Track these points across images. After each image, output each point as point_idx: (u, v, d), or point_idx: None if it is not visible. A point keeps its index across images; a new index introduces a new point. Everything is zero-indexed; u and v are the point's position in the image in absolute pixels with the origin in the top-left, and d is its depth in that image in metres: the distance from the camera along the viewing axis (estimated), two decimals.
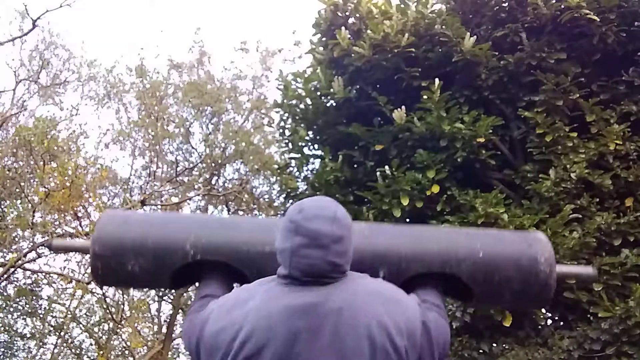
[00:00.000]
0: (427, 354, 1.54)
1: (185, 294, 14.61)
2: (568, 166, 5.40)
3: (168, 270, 1.82)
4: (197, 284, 1.87)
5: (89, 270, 12.24)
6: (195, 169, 13.99)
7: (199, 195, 13.88)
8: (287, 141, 7.37)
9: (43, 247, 10.95)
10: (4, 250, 11.00)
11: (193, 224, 1.95)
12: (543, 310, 5.43)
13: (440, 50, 5.92)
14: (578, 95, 5.66)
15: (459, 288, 1.86)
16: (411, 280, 1.79)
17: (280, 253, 1.53)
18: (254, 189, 14.17)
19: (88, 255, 1.88)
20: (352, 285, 1.51)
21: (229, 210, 13.78)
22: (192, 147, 14.06)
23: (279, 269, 1.55)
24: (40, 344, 13.83)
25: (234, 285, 1.86)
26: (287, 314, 1.45)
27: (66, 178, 9.73)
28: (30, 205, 10.07)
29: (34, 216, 10.04)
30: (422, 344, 1.52)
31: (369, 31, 5.91)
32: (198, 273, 1.84)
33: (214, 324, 1.53)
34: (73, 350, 14.47)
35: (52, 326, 13.86)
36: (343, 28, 6.13)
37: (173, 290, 14.90)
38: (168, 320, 14.73)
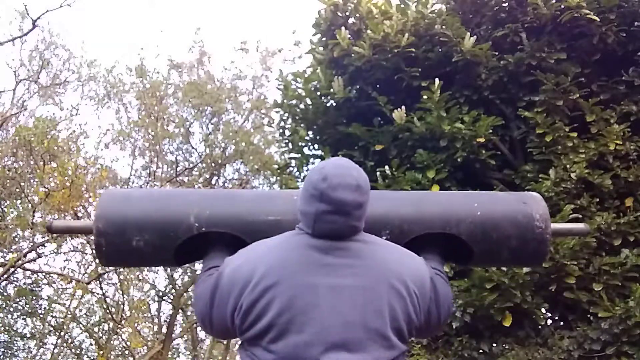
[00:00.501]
0: (435, 310, 1.66)
1: (185, 294, 14.62)
2: (568, 166, 5.40)
3: (173, 243, 1.81)
4: (201, 261, 1.88)
5: (89, 270, 12.26)
6: (195, 169, 14.00)
7: None
8: (287, 141, 7.37)
9: (43, 247, 10.96)
10: (4, 250, 11.00)
11: (196, 197, 1.95)
12: (543, 310, 5.43)
13: (440, 50, 5.93)
14: (578, 95, 5.66)
15: (459, 250, 1.92)
16: (413, 244, 1.83)
17: (303, 214, 1.61)
18: (254, 189, 14.17)
19: (92, 236, 1.84)
20: (368, 239, 1.63)
21: None
22: (192, 147, 14.08)
23: (300, 224, 1.63)
24: (40, 344, 13.83)
25: None
26: (307, 252, 1.56)
27: (66, 178, 9.73)
28: (30, 205, 10.08)
29: (34, 216, 10.05)
30: (431, 297, 1.64)
31: (369, 31, 5.91)
32: (202, 248, 1.85)
33: (231, 266, 1.61)
34: (73, 350, 14.47)
35: (52, 326, 13.86)
36: (343, 28, 6.13)
37: (173, 291, 14.93)
38: (168, 320, 14.74)
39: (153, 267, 13.98)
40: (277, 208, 1.85)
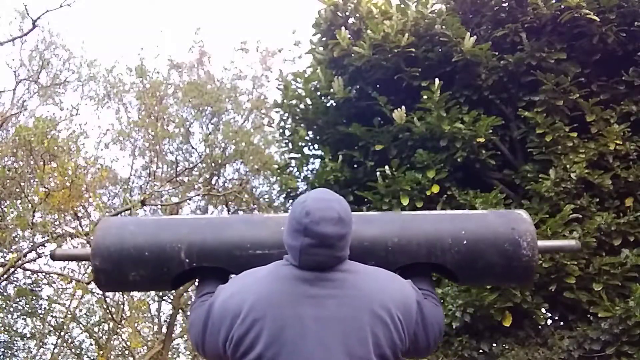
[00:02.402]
0: (422, 334, 1.71)
1: (185, 294, 14.61)
2: (568, 166, 5.40)
3: (167, 277, 1.92)
4: (196, 282, 1.99)
5: (89, 270, 12.26)
6: (195, 169, 13.99)
7: (199, 195, 13.88)
8: (287, 141, 7.37)
9: (43, 247, 10.95)
10: (4, 250, 10.99)
11: (185, 230, 1.98)
12: (543, 310, 5.43)
13: (440, 50, 5.92)
14: (578, 95, 5.66)
15: (444, 272, 1.96)
16: (401, 269, 1.88)
17: (289, 248, 1.68)
18: (254, 189, 14.17)
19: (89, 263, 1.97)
20: (353, 268, 1.69)
21: (229, 210, 13.77)
22: (192, 147, 14.07)
23: (287, 257, 1.71)
24: (40, 344, 13.82)
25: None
26: (293, 284, 1.63)
27: (66, 178, 9.72)
28: (30, 205, 10.06)
29: (34, 216, 10.03)
30: (417, 321, 1.69)
31: (369, 31, 5.91)
32: (196, 274, 1.95)
33: (222, 297, 1.69)
34: (73, 350, 14.46)
35: (52, 326, 13.85)
36: (343, 28, 6.13)
37: (173, 291, 14.91)
38: (168, 320, 14.73)
39: None
40: (265, 241, 1.90)
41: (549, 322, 5.67)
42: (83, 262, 12.73)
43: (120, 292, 12.89)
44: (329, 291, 1.63)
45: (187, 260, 1.89)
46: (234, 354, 1.63)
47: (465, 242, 1.89)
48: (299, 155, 7.06)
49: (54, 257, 2.12)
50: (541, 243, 1.98)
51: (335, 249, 1.64)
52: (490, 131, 5.64)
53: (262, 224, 1.99)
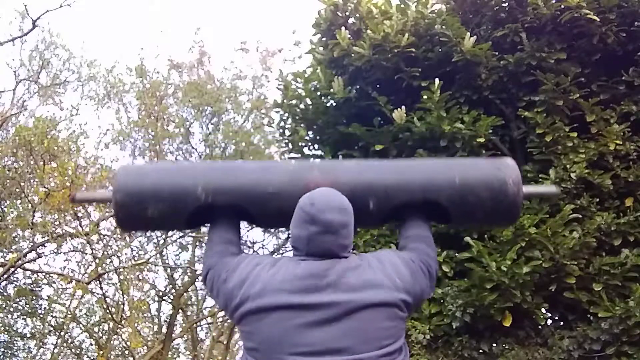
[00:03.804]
0: (423, 279, 1.89)
1: (185, 294, 14.62)
2: (568, 166, 5.40)
3: (184, 213, 2.03)
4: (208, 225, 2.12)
5: (89, 270, 12.26)
6: None
7: None
8: (287, 141, 7.36)
9: (43, 247, 10.95)
10: (4, 250, 10.99)
11: (202, 171, 2.16)
12: (543, 310, 5.43)
13: (440, 50, 5.92)
14: (578, 95, 5.66)
15: (438, 212, 2.09)
16: (398, 210, 2.05)
17: (296, 239, 1.84)
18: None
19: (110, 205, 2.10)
20: (353, 257, 1.84)
21: None
22: (192, 147, 14.08)
23: (295, 252, 1.86)
24: (40, 344, 13.80)
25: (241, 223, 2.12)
26: (302, 275, 1.75)
27: (66, 178, 9.73)
28: (30, 205, 10.07)
29: (34, 216, 10.04)
30: (415, 278, 1.85)
31: (369, 31, 5.91)
32: (210, 215, 2.05)
33: (237, 276, 1.82)
34: (73, 350, 14.46)
35: (52, 326, 13.84)
36: (343, 28, 6.12)
37: (173, 291, 14.92)
38: (168, 320, 14.73)
39: (153, 267, 14.00)
40: (276, 180, 2.04)
41: (549, 322, 5.67)
42: (83, 263, 12.74)
43: (121, 292, 12.90)
44: (330, 280, 1.75)
45: (203, 196, 2.00)
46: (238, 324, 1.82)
47: (457, 179, 2.07)
48: (299, 155, 7.05)
49: (74, 199, 2.21)
50: (525, 188, 2.15)
51: (340, 236, 1.79)
52: (490, 131, 5.64)
53: (274, 167, 2.21)
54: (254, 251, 13.65)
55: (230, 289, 1.81)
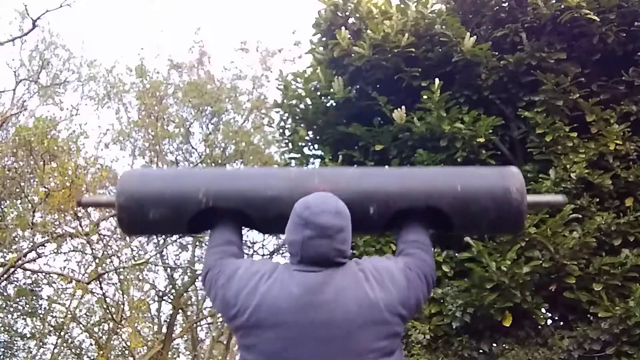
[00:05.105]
0: (419, 286, 1.84)
1: (185, 294, 14.62)
2: (568, 166, 5.40)
3: (185, 217, 2.05)
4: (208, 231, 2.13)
5: (89, 270, 12.25)
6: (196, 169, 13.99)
7: None
8: (287, 141, 7.36)
9: (43, 247, 10.95)
10: (4, 250, 10.98)
11: (203, 176, 2.21)
12: (543, 310, 5.43)
13: (440, 50, 5.92)
14: (578, 95, 5.66)
15: (441, 221, 2.07)
16: (398, 217, 2.02)
17: (290, 244, 1.79)
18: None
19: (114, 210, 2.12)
20: (350, 267, 1.79)
21: None
22: (192, 147, 14.08)
23: (290, 259, 1.81)
24: (40, 344, 13.79)
25: (242, 229, 2.11)
26: (297, 293, 1.71)
27: (66, 178, 9.72)
28: (30, 205, 10.07)
29: (34, 216, 10.04)
30: (411, 286, 1.81)
31: (369, 31, 5.91)
32: (211, 220, 2.06)
33: (235, 284, 1.80)
34: (73, 350, 14.44)
35: (52, 326, 13.83)
36: (343, 28, 6.12)
37: (173, 291, 14.92)
38: (168, 320, 14.73)
39: (153, 267, 14.00)
40: (275, 184, 2.05)
41: (549, 322, 5.67)
42: (83, 263, 12.74)
43: (121, 292, 12.90)
44: (328, 294, 1.71)
45: (204, 200, 2.02)
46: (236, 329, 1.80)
47: (459, 187, 2.04)
48: (299, 155, 7.05)
49: (80, 203, 2.29)
50: (530, 197, 2.11)
51: (335, 241, 1.74)
52: (490, 131, 5.64)
53: (273, 173, 2.25)
54: (254, 251, 13.64)
55: (227, 297, 1.79)
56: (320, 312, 1.68)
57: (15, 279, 12.48)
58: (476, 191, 2.04)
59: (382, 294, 1.74)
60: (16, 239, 11.22)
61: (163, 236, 13.42)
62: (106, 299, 11.99)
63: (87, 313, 14.62)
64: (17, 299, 13.04)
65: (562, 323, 5.50)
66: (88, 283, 11.07)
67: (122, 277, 12.68)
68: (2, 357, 13.25)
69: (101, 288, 11.77)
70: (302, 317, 1.68)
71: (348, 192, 1.97)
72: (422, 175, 2.18)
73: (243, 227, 2.09)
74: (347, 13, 6.39)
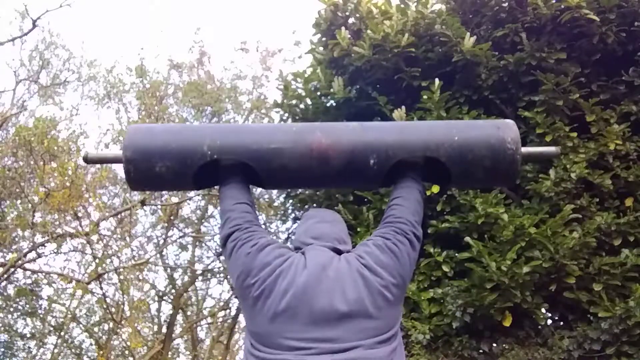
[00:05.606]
0: (405, 250, 1.95)
1: (185, 294, 14.60)
2: (568, 166, 5.40)
3: (190, 169, 2.10)
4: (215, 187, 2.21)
5: (89, 270, 12.25)
6: None
7: (198, 195, 13.87)
8: None
9: (43, 247, 10.94)
10: (4, 250, 10.98)
11: (209, 130, 2.25)
12: (543, 310, 5.43)
13: (440, 50, 5.92)
14: (578, 95, 5.66)
15: (439, 172, 2.15)
16: (398, 169, 2.12)
17: (298, 238, 2.08)
18: (254, 189, 14.16)
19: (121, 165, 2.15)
20: (350, 259, 1.95)
21: None
22: None
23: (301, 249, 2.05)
24: (40, 344, 13.79)
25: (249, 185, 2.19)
26: (309, 265, 1.90)
27: (66, 178, 9.72)
28: (30, 205, 10.06)
29: (34, 216, 10.02)
30: (398, 258, 1.93)
31: (369, 31, 5.91)
32: (217, 175, 2.14)
33: (261, 258, 1.91)
34: (73, 350, 14.45)
35: (52, 326, 13.83)
36: (343, 28, 6.13)
37: (173, 291, 14.92)
38: (168, 320, 14.73)
39: (153, 267, 13.98)
40: (278, 138, 2.11)
41: (549, 322, 5.67)
42: (83, 263, 12.73)
43: (121, 292, 12.89)
44: (330, 268, 1.90)
45: (209, 153, 2.08)
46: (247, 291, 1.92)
47: (456, 138, 2.11)
48: None
49: (86, 159, 2.28)
50: (524, 148, 2.18)
51: (334, 227, 2.07)
52: None
53: (276, 127, 2.31)
54: None
55: (250, 267, 1.89)
56: (322, 298, 1.83)
57: (15, 279, 12.47)
58: (473, 141, 2.11)
59: (378, 280, 1.88)
60: (16, 239, 11.21)
61: (163, 236, 13.41)
62: (106, 299, 11.98)
63: (87, 313, 14.63)
64: (17, 299, 13.04)
65: (562, 323, 5.50)
66: (88, 283, 11.07)
67: (122, 277, 12.68)
68: (2, 357, 13.25)
69: (101, 288, 11.77)
70: (308, 306, 1.82)
71: (350, 143, 2.08)
72: (421, 127, 2.24)
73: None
74: (347, 13, 6.39)
